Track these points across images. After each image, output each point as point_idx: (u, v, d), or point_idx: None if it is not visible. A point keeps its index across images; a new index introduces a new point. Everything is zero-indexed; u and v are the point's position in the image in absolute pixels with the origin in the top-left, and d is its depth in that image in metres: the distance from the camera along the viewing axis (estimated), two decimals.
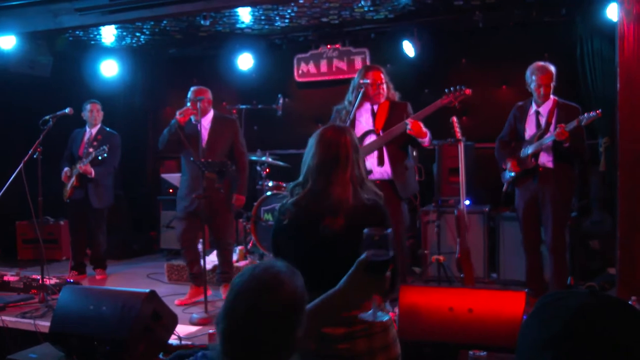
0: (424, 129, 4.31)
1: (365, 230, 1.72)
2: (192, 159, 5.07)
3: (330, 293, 1.75)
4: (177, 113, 5.16)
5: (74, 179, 6.10)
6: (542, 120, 4.72)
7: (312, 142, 2.34)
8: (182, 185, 5.41)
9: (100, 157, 5.89)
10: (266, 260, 1.63)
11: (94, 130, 6.29)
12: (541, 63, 4.70)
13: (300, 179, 2.32)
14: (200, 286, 5.10)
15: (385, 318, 2.00)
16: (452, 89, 4.38)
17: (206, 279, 4.89)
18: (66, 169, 6.18)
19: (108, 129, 6.37)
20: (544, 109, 4.73)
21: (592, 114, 4.40)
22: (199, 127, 5.09)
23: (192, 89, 5.34)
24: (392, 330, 2.32)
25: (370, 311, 1.83)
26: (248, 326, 1.49)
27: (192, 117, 5.24)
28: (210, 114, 5.38)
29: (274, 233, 2.38)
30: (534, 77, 4.69)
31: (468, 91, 4.36)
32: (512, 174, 4.83)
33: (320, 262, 2.17)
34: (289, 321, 1.54)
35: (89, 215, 6.25)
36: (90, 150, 6.06)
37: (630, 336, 0.96)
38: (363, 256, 1.69)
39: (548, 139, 4.60)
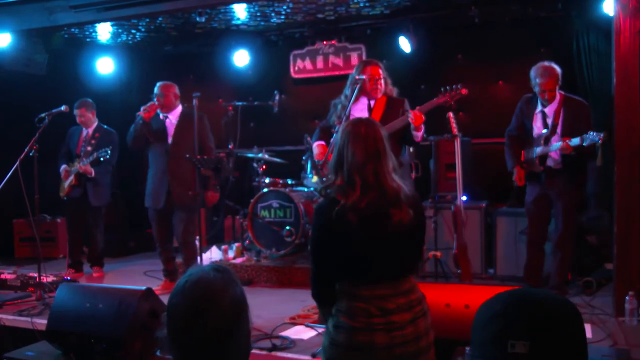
0: (422, 125, 4.32)
1: None
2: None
3: None
4: (142, 109, 5.17)
5: (72, 177, 6.08)
6: (549, 121, 4.70)
7: (344, 140, 2.32)
8: (148, 182, 5.44)
9: (102, 159, 5.87)
10: (195, 269, 1.60)
11: (91, 129, 6.26)
12: (546, 64, 4.66)
13: (339, 178, 2.29)
14: (173, 281, 5.28)
15: None
16: (448, 88, 4.36)
17: None
18: (64, 166, 6.17)
19: (105, 126, 6.34)
20: (550, 109, 4.71)
21: (595, 137, 4.27)
22: (165, 123, 5.14)
23: (158, 84, 5.37)
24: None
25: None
26: (192, 345, 1.52)
27: (160, 112, 5.26)
28: (178, 109, 5.38)
29: (324, 234, 2.31)
30: (537, 81, 4.66)
31: (464, 91, 4.34)
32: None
33: (388, 255, 2.28)
34: (232, 328, 1.55)
35: (86, 213, 6.24)
36: (89, 148, 6.04)
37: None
38: None
39: (553, 147, 4.60)
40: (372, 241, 2.27)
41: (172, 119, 5.34)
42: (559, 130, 4.64)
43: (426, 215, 5.54)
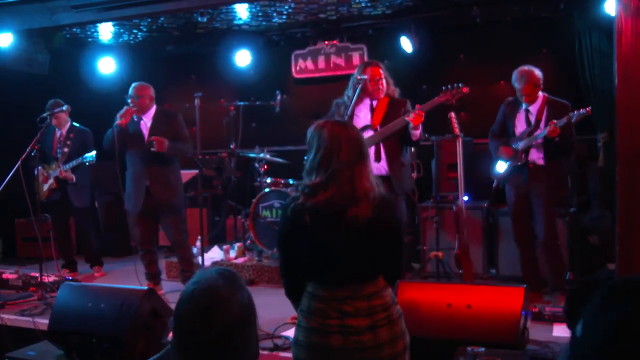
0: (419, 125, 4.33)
1: None
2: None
3: None
4: (118, 116, 5.12)
5: (52, 181, 6.03)
6: (532, 118, 4.76)
7: (335, 140, 2.30)
8: (127, 184, 5.38)
9: (87, 163, 5.81)
10: (203, 275, 1.62)
11: (64, 129, 6.16)
12: (524, 69, 4.71)
13: (317, 177, 2.28)
14: (158, 285, 5.37)
15: None
16: (449, 86, 4.37)
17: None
18: (40, 167, 5.82)
19: (79, 125, 6.24)
20: (534, 107, 4.77)
21: (582, 111, 4.44)
22: (140, 125, 5.12)
23: (133, 85, 5.33)
24: (402, 318, 2.38)
25: None
26: (200, 351, 1.53)
27: (134, 116, 5.24)
28: (152, 110, 5.36)
29: (285, 232, 2.35)
30: (516, 85, 4.74)
31: (465, 89, 4.35)
32: (504, 170, 4.84)
33: (344, 255, 2.26)
34: (240, 335, 1.56)
35: (73, 215, 6.23)
36: (65, 149, 5.98)
37: None
38: None
39: (539, 135, 4.63)
40: (327, 239, 2.26)
41: (147, 121, 5.29)
42: (542, 125, 4.68)
43: (428, 216, 5.61)
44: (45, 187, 6.08)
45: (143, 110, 5.24)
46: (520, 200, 4.81)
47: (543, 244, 4.73)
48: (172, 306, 3.75)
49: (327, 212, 2.23)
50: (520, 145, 4.73)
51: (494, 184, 5.02)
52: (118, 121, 5.10)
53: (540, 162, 4.71)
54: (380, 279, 2.32)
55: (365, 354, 2.21)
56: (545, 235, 4.69)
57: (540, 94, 4.76)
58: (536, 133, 4.67)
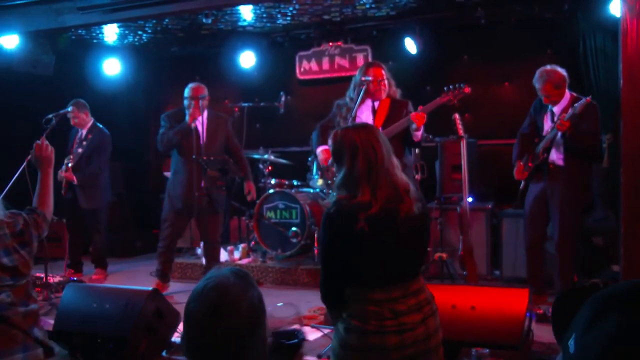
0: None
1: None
2: (194, 156, 5.08)
3: None
4: (188, 117, 5.16)
5: (63, 181, 6.09)
6: (556, 119, 4.71)
7: (368, 146, 2.31)
8: (175, 184, 5.40)
9: (70, 165, 5.89)
10: (215, 272, 1.62)
11: (85, 129, 6.23)
12: (547, 69, 4.66)
13: (362, 193, 2.27)
14: (166, 283, 5.45)
15: None
16: (451, 87, 4.37)
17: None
18: (64, 166, 6.12)
19: (100, 126, 6.31)
20: (558, 108, 4.70)
21: (582, 100, 4.39)
22: (196, 125, 5.13)
23: (190, 86, 5.34)
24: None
25: None
26: (209, 349, 1.52)
27: (186, 115, 5.27)
28: (206, 111, 5.39)
29: (335, 244, 2.32)
30: (536, 85, 4.70)
31: (467, 89, 4.35)
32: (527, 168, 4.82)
33: (400, 255, 2.32)
34: (249, 334, 1.56)
35: (83, 215, 6.26)
36: (80, 150, 6.03)
37: None
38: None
39: (553, 132, 4.60)
40: (383, 245, 2.29)
41: (202, 122, 5.33)
42: None
43: (432, 217, 5.61)
44: (63, 183, 6.14)
45: (203, 111, 5.26)
46: (538, 200, 4.78)
47: (557, 246, 4.71)
48: (178, 307, 3.78)
49: (383, 217, 2.26)
50: (542, 145, 4.72)
51: (521, 186, 4.97)
52: (190, 122, 5.14)
53: (560, 162, 4.66)
54: (420, 275, 2.41)
55: (418, 346, 2.28)
56: (560, 237, 4.67)
57: (567, 94, 4.69)
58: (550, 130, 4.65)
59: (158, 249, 5.55)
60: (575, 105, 4.41)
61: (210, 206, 5.27)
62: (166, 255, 5.50)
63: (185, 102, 5.29)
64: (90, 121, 6.27)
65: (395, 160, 2.39)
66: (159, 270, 5.48)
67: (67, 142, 6.32)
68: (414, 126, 4.28)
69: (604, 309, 0.98)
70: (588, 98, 4.41)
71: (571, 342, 1.00)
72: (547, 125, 4.78)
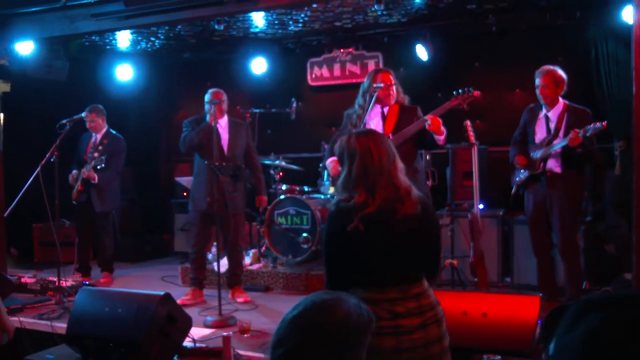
0: (442, 127, 4.29)
1: None
2: (206, 162, 5.11)
3: None
4: (209, 117, 5.22)
5: (79, 183, 6.15)
6: (552, 126, 4.71)
7: (366, 149, 2.37)
8: (197, 187, 5.45)
9: (98, 167, 5.94)
10: (302, 299, 1.63)
11: (100, 135, 6.30)
12: (550, 67, 4.69)
13: (357, 188, 2.34)
14: (202, 289, 5.44)
15: None
16: (460, 91, 4.38)
17: (220, 282, 4.91)
18: (74, 171, 6.23)
19: (114, 132, 6.38)
20: (553, 114, 4.72)
21: (597, 125, 4.33)
22: (218, 130, 5.16)
23: (210, 91, 5.40)
24: (444, 318, 2.45)
25: None
26: (304, 351, 1.49)
27: (207, 119, 5.32)
28: (226, 116, 5.44)
29: (335, 244, 2.39)
30: (536, 81, 4.71)
31: (477, 93, 4.35)
32: (522, 174, 4.82)
33: (396, 255, 2.34)
34: (349, 342, 1.53)
35: (94, 218, 6.30)
36: (96, 154, 6.09)
37: None
38: None
39: (557, 145, 4.58)
40: (378, 244, 2.32)
41: (223, 125, 5.41)
42: (561, 134, 4.63)
43: (443, 223, 5.60)
44: (75, 189, 6.20)
45: (220, 115, 5.31)
46: (538, 208, 4.78)
47: (561, 253, 4.70)
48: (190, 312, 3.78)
49: (379, 217, 2.30)
50: (539, 154, 4.71)
51: (513, 190, 4.99)
52: (211, 122, 5.18)
53: (558, 170, 4.67)
54: (424, 280, 2.41)
55: (416, 352, 2.28)
56: (562, 243, 4.66)
57: (561, 100, 4.71)
58: (555, 142, 4.63)
59: (190, 256, 5.58)
60: (589, 127, 4.34)
61: (227, 211, 5.29)
62: (198, 261, 5.49)
63: (206, 107, 5.36)
64: (105, 127, 6.35)
65: (399, 164, 2.43)
66: (194, 278, 5.48)
67: (79, 146, 6.37)
68: (435, 135, 4.28)
69: (583, 312, 1.05)
70: (604, 123, 4.33)
71: (552, 345, 1.07)
72: (541, 132, 4.78)
